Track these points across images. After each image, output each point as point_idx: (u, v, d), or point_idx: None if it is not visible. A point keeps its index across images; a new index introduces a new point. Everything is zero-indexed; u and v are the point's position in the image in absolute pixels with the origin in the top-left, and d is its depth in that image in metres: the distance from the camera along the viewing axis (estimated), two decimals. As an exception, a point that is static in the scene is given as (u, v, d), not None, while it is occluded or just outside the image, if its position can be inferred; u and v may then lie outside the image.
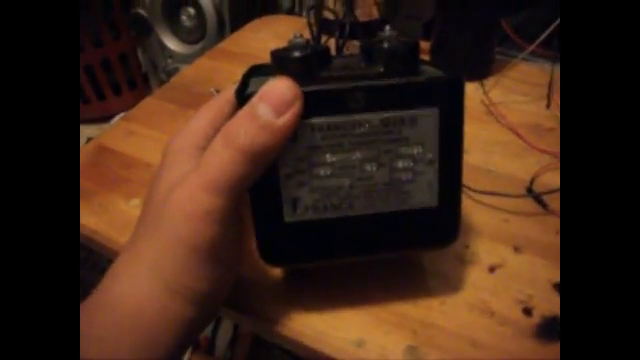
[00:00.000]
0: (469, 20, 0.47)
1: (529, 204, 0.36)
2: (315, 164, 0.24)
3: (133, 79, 1.18)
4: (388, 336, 0.28)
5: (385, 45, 0.24)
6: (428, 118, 0.24)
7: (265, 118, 0.22)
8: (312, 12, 0.43)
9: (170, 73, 1.00)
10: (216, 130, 0.26)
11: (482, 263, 0.32)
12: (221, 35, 0.87)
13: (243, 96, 0.23)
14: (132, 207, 0.37)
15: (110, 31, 1.10)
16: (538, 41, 0.43)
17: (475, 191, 0.36)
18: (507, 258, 0.32)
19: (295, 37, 0.24)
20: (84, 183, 0.40)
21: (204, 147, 0.25)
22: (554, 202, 0.35)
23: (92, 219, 0.36)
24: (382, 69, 0.24)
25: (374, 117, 0.24)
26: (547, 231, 0.34)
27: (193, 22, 0.91)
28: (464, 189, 0.36)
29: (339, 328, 0.29)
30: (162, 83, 1.09)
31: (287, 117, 0.22)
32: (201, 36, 0.90)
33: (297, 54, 0.23)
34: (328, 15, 0.43)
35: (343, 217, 0.25)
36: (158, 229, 0.23)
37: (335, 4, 0.43)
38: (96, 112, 1.15)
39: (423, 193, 0.25)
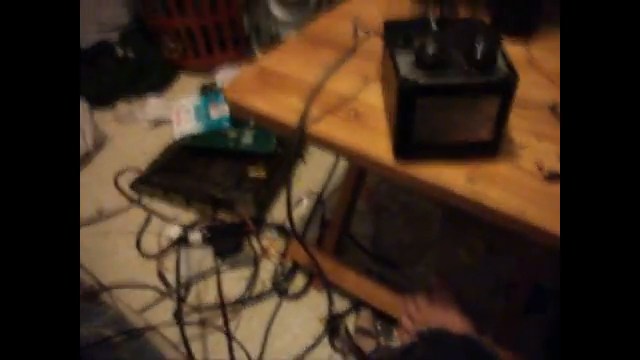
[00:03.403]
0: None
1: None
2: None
3: (238, 39, 1.42)
4: (453, 170, 0.49)
5: (478, 55, 0.44)
6: (494, 99, 0.45)
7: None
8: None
9: (272, 36, 1.20)
10: None
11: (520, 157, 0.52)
12: (319, 6, 1.07)
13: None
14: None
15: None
16: None
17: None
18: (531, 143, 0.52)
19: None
20: (253, 86, 0.61)
21: None
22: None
23: (265, 105, 0.58)
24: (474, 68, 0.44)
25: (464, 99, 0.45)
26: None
27: (299, -7, 1.11)
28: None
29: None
30: (263, 44, 1.32)
31: None
32: (304, 5, 1.11)
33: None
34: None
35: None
36: None
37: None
38: (204, 64, 1.40)
39: (483, 131, 0.47)
